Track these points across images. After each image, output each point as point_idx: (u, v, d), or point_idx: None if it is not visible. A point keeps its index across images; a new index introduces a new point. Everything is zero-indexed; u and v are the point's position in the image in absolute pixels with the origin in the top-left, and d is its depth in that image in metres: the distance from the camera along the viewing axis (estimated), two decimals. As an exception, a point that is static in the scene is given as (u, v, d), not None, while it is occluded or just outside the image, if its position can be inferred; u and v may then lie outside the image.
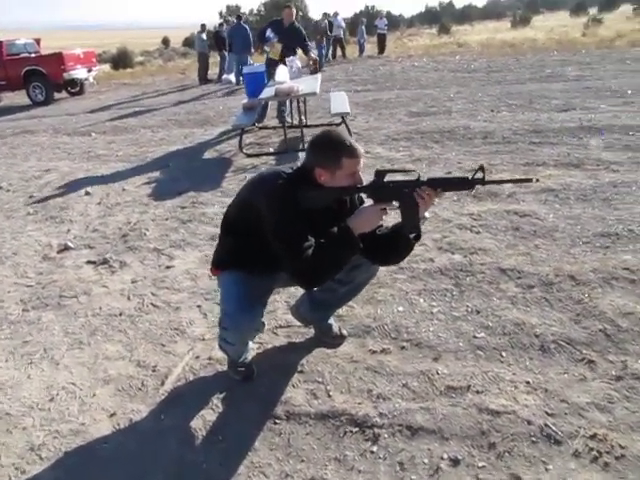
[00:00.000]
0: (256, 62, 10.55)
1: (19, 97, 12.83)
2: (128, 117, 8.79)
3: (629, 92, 6.74)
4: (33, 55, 12.58)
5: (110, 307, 2.73)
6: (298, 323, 2.32)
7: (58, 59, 11.75)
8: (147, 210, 4.14)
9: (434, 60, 13.49)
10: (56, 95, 12.43)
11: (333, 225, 1.70)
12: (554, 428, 1.68)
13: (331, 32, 15.18)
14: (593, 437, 1.63)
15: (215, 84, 12.77)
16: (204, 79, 13.13)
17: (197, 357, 2.23)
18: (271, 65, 6.49)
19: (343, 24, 16.97)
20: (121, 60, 23.54)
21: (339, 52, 16.77)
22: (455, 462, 1.59)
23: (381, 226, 1.84)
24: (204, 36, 13.33)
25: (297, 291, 2.45)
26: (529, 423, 1.71)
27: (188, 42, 31.27)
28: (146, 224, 3.83)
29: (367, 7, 39.59)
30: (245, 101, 6.26)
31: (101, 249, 3.48)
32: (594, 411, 1.74)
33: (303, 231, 1.68)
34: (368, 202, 1.82)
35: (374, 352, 2.15)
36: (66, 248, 3.53)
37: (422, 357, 2.10)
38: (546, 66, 10.16)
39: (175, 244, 3.44)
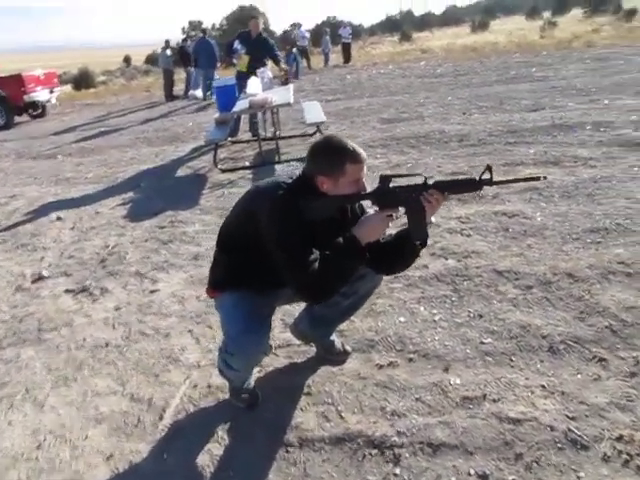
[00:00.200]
0: (222, 76, 10.44)
1: (-23, 123, 12.35)
2: (95, 138, 8.53)
3: (593, 90, 6.92)
4: (-9, 78, 12.16)
5: (95, 338, 2.56)
6: (298, 342, 2.22)
7: (18, 81, 11.37)
8: (124, 232, 3.97)
9: (400, 67, 13.64)
10: (17, 118, 12.02)
11: (337, 236, 1.61)
12: (578, 432, 1.63)
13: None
14: (619, 439, 1.59)
15: (182, 100, 12.59)
16: (170, 96, 12.92)
17: (195, 386, 2.09)
18: (241, 78, 6.41)
19: (307, 35, 17.06)
20: (83, 80, 23.14)
21: (304, 63, 16.83)
22: (484, 478, 1.52)
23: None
24: (168, 52, 13.13)
25: (293, 308, 2.35)
26: (552, 429, 1.65)
27: (150, 59, 30.96)
28: (125, 247, 3.67)
29: (328, 17, 40.42)
30: (217, 115, 6.12)
31: (79, 276, 3.30)
32: (615, 411, 1.70)
33: (307, 243, 1.59)
34: (370, 210, 1.75)
35: (381, 366, 2.07)
36: (41, 277, 3.34)
37: (431, 368, 2.03)
38: (510, 68, 10.38)
39: (157, 266, 3.30)
